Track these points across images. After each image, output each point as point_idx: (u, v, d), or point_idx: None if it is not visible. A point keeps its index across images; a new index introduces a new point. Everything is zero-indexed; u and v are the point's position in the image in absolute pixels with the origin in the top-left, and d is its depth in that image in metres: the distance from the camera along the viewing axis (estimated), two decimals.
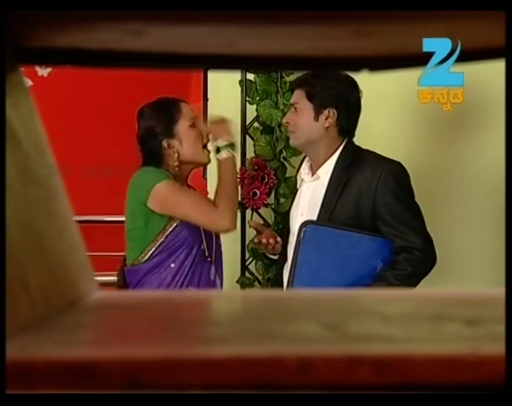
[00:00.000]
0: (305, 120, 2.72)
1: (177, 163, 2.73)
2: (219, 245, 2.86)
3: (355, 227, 2.63)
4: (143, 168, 2.74)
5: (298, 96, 2.74)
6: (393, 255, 2.63)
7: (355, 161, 2.70)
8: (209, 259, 2.78)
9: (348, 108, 2.72)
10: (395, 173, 2.67)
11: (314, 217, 2.69)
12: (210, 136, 2.76)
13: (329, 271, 2.60)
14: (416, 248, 2.63)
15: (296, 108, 2.74)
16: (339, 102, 2.70)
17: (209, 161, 2.81)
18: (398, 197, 2.65)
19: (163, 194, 2.67)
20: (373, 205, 2.63)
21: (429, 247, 2.66)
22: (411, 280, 2.61)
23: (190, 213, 2.68)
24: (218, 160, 2.74)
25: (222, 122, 2.76)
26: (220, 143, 2.71)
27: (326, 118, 2.69)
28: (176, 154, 2.72)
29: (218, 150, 2.74)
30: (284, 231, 2.90)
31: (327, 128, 2.70)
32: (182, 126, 2.72)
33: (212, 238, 2.80)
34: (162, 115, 2.74)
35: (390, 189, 2.64)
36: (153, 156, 2.74)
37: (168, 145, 2.72)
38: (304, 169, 2.81)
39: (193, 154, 2.75)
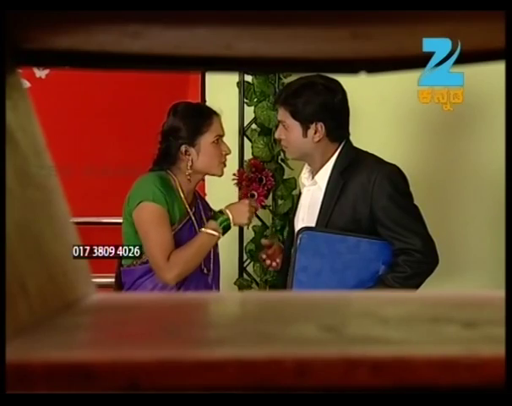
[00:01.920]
0: (294, 137, 2.71)
1: (189, 171, 2.73)
2: (217, 258, 2.84)
3: (354, 232, 2.62)
4: (148, 174, 2.73)
5: (283, 115, 2.74)
6: (393, 257, 2.63)
7: (351, 165, 2.70)
8: (205, 270, 2.77)
9: (335, 117, 2.71)
10: (391, 176, 2.67)
11: (313, 222, 2.70)
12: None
13: (328, 276, 2.60)
14: (416, 249, 2.63)
15: (284, 125, 2.74)
16: (324, 115, 2.69)
17: (222, 173, 2.79)
18: (394, 200, 2.64)
19: (141, 215, 2.67)
20: (370, 209, 2.63)
21: (429, 248, 2.66)
22: (412, 282, 2.61)
23: (148, 249, 2.66)
24: (204, 229, 2.68)
25: (246, 205, 2.73)
26: (222, 216, 2.68)
27: (315, 133, 2.69)
28: (190, 162, 2.72)
29: (216, 216, 2.69)
30: (289, 234, 2.90)
31: (318, 141, 2.70)
32: (206, 140, 2.72)
33: (210, 251, 2.77)
34: (191, 121, 2.73)
35: (387, 193, 2.64)
36: (168, 155, 2.74)
37: (185, 152, 2.72)
38: (304, 174, 2.82)
39: (207, 167, 2.74)
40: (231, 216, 2.68)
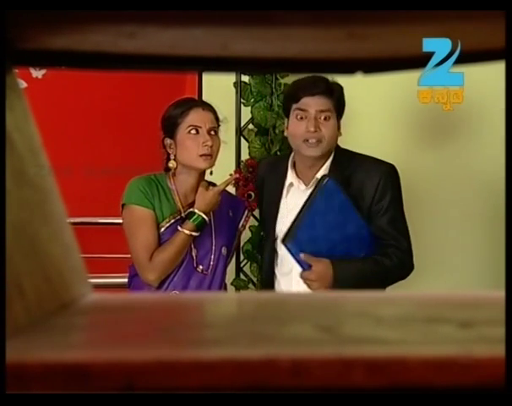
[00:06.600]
0: (332, 131, 2.64)
1: (173, 165, 2.71)
2: (219, 258, 2.78)
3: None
4: (136, 177, 2.73)
5: (327, 104, 2.63)
6: (381, 248, 2.62)
7: (349, 165, 2.68)
8: (199, 269, 2.74)
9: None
10: (390, 176, 2.66)
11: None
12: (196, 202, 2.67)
13: (330, 225, 2.56)
14: (403, 249, 2.63)
15: (325, 117, 2.63)
16: (343, 111, 2.69)
17: (209, 166, 2.70)
18: (392, 200, 2.64)
19: (125, 218, 2.69)
20: (369, 207, 2.63)
21: (411, 253, 2.67)
22: (393, 273, 2.60)
23: (131, 250, 2.67)
24: (181, 229, 2.64)
25: (210, 192, 2.67)
26: (197, 212, 2.64)
27: (338, 129, 2.68)
28: (172, 156, 2.71)
29: (189, 216, 2.65)
30: (270, 235, 2.86)
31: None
32: (181, 131, 2.68)
33: (211, 250, 2.74)
34: (171, 114, 2.72)
35: (390, 193, 2.63)
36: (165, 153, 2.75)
37: (170, 145, 2.72)
38: (292, 174, 2.78)
39: (186, 160, 2.69)
40: (196, 208, 2.64)
